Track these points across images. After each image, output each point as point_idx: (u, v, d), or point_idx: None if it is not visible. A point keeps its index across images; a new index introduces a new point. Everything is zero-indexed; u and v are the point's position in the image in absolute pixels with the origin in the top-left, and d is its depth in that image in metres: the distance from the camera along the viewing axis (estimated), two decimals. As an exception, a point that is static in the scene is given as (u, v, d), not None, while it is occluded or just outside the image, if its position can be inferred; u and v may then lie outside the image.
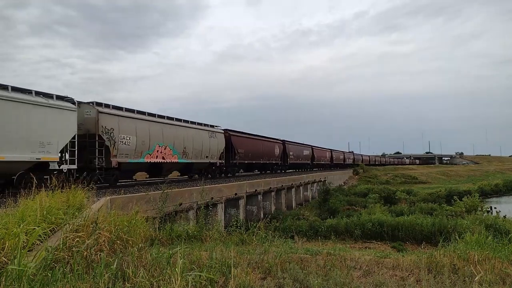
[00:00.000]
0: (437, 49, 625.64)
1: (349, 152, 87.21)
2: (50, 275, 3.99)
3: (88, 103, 15.25)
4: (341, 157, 74.10)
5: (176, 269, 4.13)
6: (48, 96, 13.03)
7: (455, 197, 33.27)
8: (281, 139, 41.43)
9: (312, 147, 53.60)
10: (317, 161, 55.57)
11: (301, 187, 34.22)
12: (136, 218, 7.12)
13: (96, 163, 14.75)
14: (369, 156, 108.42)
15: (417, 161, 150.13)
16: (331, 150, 66.17)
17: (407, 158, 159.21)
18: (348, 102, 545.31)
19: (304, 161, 49.33)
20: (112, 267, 4.30)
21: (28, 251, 4.47)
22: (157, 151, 18.32)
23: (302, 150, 48.80)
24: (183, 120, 21.92)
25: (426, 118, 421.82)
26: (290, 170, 45.79)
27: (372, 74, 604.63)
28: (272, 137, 38.80)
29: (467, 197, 30.53)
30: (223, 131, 27.15)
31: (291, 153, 42.88)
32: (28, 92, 12.16)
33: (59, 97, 13.38)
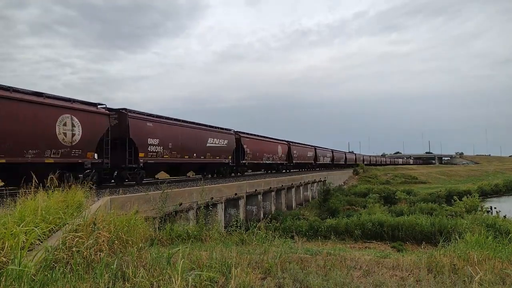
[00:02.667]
0: (437, 49, 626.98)
1: (325, 148, 61.91)
2: (50, 275, 3.99)
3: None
4: (310, 154, 49.79)
5: (177, 269, 4.13)
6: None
7: (455, 197, 33.29)
8: (180, 118, 21.27)
9: (243, 135, 29.42)
10: (256, 159, 31.27)
11: (301, 187, 34.20)
12: (136, 218, 7.11)
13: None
14: (355, 154, 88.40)
15: (411, 161, 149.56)
16: (289, 144, 41.24)
17: (407, 158, 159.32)
18: (348, 102, 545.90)
19: (219, 159, 24.75)
20: (112, 267, 4.30)
21: (28, 251, 4.47)
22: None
23: (217, 139, 24.57)
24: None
25: (426, 118, 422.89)
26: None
27: (372, 74, 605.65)
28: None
29: (467, 197, 30.56)
30: None
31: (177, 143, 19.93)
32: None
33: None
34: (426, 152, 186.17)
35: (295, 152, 42.87)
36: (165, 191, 10.49)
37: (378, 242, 18.23)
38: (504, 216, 23.64)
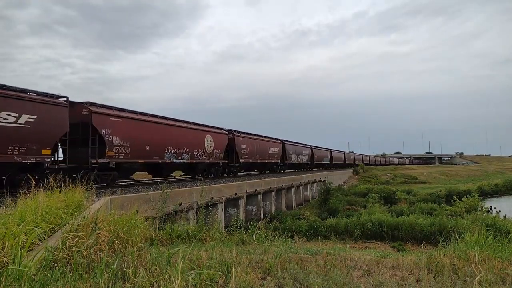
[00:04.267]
0: (437, 49, 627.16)
1: (300, 144, 46.27)
2: (50, 275, 3.99)
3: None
4: (274, 150, 35.87)
5: (177, 268, 4.13)
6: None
7: (454, 197, 33.24)
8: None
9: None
10: (142, 157, 17.33)
11: (301, 187, 34.20)
12: (136, 218, 7.11)
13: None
14: (344, 153, 75.21)
15: (407, 160, 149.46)
16: (233, 135, 27.85)
17: (406, 158, 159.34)
18: (348, 102, 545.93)
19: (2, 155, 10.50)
20: (112, 267, 4.30)
21: (28, 251, 4.47)
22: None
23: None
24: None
25: (426, 118, 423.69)
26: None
27: (372, 74, 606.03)
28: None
29: (467, 197, 30.53)
30: None
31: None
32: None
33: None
34: (426, 152, 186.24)
35: (243, 146, 29.01)
36: (165, 191, 10.50)
37: (378, 242, 18.22)
38: (504, 216, 23.63)
